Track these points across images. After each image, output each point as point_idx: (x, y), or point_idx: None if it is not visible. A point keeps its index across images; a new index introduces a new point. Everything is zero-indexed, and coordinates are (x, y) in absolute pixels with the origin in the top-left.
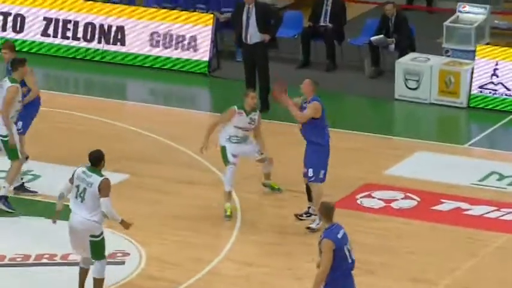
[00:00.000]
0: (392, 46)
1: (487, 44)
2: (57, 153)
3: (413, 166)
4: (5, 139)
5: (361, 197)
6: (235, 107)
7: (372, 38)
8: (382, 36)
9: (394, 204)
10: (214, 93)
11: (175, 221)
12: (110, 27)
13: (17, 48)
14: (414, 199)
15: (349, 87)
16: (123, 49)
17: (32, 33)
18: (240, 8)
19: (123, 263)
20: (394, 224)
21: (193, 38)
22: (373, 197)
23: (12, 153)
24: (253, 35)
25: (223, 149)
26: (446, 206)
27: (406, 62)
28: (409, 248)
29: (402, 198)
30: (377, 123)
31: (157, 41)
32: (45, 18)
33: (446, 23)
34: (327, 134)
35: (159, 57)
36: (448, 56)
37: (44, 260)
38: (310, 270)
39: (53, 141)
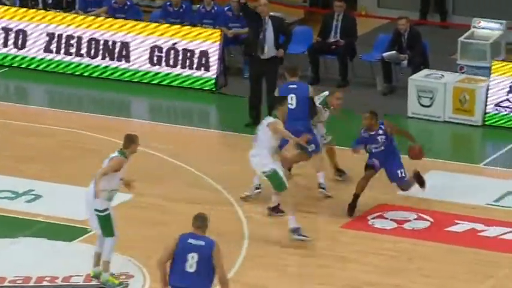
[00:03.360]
0: (405, 62)
1: (503, 60)
2: (59, 172)
3: (426, 186)
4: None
5: (372, 218)
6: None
7: (384, 54)
8: (394, 52)
9: (406, 225)
10: (221, 110)
11: None
12: (114, 43)
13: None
14: (427, 220)
15: (361, 104)
16: (128, 65)
17: (35, 49)
18: (256, 20)
19: (127, 285)
20: (407, 245)
21: (201, 55)
22: (386, 218)
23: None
24: (269, 49)
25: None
26: (461, 227)
27: (419, 78)
28: (422, 271)
29: (415, 219)
30: None
31: (164, 58)
32: (47, 34)
33: (461, 38)
34: None
35: (166, 74)
36: (463, 72)
37: (45, 283)
38: None
39: (56, 160)
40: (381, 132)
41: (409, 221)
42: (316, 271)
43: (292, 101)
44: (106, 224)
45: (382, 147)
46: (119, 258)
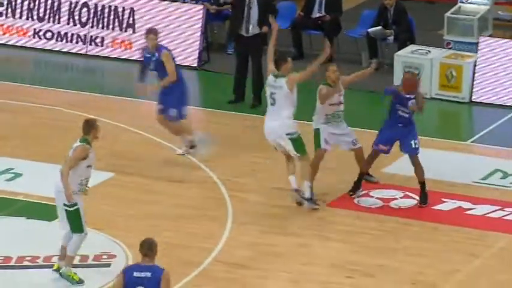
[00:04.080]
0: (391, 38)
1: (490, 36)
2: (37, 150)
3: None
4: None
5: (358, 196)
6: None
7: (370, 30)
8: (380, 27)
9: (392, 204)
10: (204, 87)
11: (163, 222)
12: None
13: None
14: (414, 198)
15: None
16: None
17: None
18: None
19: (108, 265)
20: (393, 224)
21: (183, 30)
22: (371, 196)
23: None
24: (253, 26)
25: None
26: (448, 205)
27: (405, 54)
28: (408, 250)
29: (401, 197)
30: (375, 118)
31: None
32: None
33: (448, 14)
34: None
35: None
36: (450, 48)
37: (26, 263)
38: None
39: (36, 138)
40: (413, 97)
41: (395, 199)
42: (300, 250)
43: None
44: (74, 219)
45: (408, 115)
46: (101, 237)
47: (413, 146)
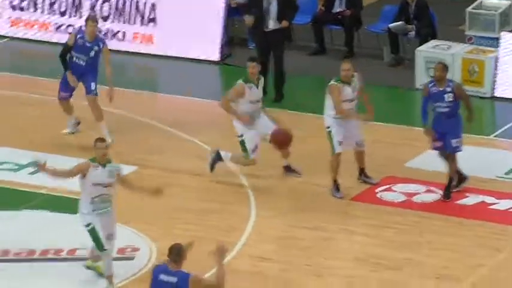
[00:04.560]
0: (413, 33)
1: (511, 31)
2: (63, 143)
3: (435, 158)
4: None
5: (381, 191)
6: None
7: (391, 25)
8: (401, 22)
9: (415, 198)
10: (225, 81)
11: (186, 215)
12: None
13: None
14: (437, 192)
15: (368, 76)
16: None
17: None
18: None
19: (132, 258)
20: (417, 218)
21: (204, 24)
22: (394, 191)
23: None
24: (273, 21)
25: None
26: (471, 199)
27: (427, 49)
28: (433, 244)
29: (424, 192)
30: (397, 113)
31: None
32: None
33: (469, 9)
34: None
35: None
36: (471, 43)
37: (50, 256)
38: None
39: (60, 132)
40: (449, 89)
41: (418, 193)
42: (324, 244)
43: None
44: (93, 238)
45: (447, 109)
46: (125, 231)
47: (453, 144)
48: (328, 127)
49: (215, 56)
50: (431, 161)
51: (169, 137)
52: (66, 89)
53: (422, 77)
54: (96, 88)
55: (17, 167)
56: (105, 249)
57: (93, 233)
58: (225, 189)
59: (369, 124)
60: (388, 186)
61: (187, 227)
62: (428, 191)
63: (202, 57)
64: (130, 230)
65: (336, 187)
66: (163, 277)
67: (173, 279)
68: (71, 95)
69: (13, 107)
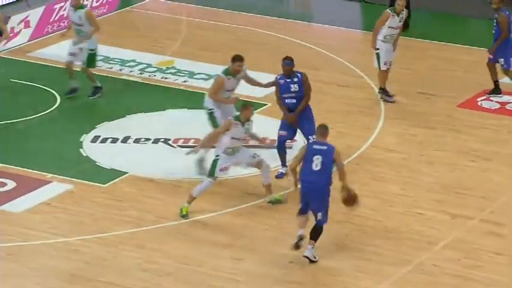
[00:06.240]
0: None
1: None
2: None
3: None
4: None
5: (481, 100)
6: (232, 118)
7: None
8: None
9: (508, 106)
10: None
11: (333, 115)
12: None
13: None
14: None
15: (466, 10)
16: None
17: None
18: None
19: (290, 147)
20: (508, 122)
21: None
22: (491, 100)
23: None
24: None
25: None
26: None
27: None
28: None
29: None
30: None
31: None
32: None
33: None
34: None
35: None
36: None
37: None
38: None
39: (232, 51)
40: None
41: (510, 102)
42: (435, 139)
43: None
44: (211, 165)
45: None
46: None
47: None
48: (377, 49)
49: None
50: None
51: (321, 57)
52: None
53: None
54: None
55: (206, 77)
56: (213, 178)
57: (214, 163)
58: (362, 98)
59: (468, 48)
60: (487, 96)
61: (335, 124)
62: None
63: None
64: None
65: (387, 93)
66: (316, 146)
67: (324, 147)
68: None
69: None
